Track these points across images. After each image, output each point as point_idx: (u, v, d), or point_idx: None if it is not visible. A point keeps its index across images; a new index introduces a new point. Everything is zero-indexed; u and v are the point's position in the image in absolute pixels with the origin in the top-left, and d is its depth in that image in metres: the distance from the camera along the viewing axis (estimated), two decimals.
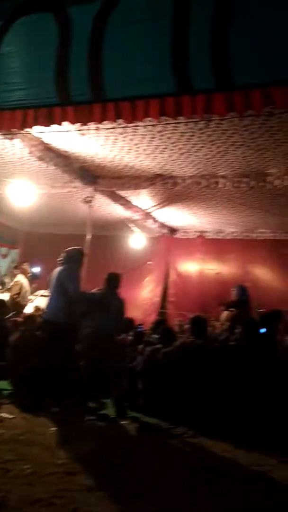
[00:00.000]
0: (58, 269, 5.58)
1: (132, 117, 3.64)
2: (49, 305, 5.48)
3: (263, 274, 11.98)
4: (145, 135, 6.04)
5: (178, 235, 13.00)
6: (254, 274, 12.03)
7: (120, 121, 3.91)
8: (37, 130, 5.61)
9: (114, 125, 4.20)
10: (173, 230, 12.83)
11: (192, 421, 4.53)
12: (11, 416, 4.54)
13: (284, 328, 5.90)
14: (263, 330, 6.00)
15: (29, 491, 2.95)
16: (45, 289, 9.60)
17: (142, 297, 13.01)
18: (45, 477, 3.19)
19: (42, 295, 9.33)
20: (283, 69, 3.07)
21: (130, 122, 3.77)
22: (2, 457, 3.48)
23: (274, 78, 3.10)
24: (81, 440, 4.07)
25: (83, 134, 6.07)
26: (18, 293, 8.86)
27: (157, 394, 4.79)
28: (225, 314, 7.22)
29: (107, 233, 13.11)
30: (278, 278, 11.75)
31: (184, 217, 11.18)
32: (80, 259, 5.85)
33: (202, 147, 6.34)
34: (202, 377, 4.72)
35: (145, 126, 5.61)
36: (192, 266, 12.81)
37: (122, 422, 4.66)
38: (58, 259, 5.76)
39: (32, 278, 10.86)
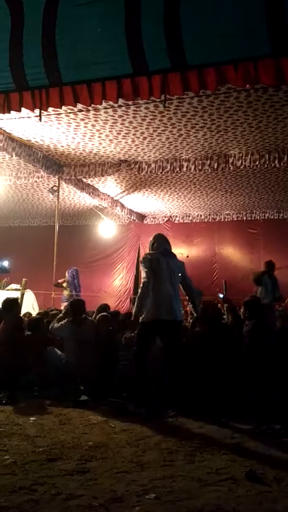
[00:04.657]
0: (168, 258, 4.70)
1: (91, 100, 3.62)
2: (171, 302, 4.58)
3: (230, 254, 12.25)
4: (107, 120, 6.02)
5: (147, 221, 13.06)
6: (222, 255, 12.30)
7: (80, 105, 3.88)
8: None
9: (74, 109, 4.14)
10: (142, 216, 12.88)
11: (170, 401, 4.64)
12: None
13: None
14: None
15: (9, 480, 2.96)
16: (14, 283, 9.59)
17: (115, 285, 13.07)
18: (25, 466, 3.21)
19: (15, 289, 9.23)
20: (235, 48, 3.11)
21: (89, 105, 3.75)
22: None
23: (228, 57, 3.15)
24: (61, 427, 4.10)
25: (45, 122, 5.98)
26: None
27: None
28: None
29: (76, 222, 13.05)
30: (245, 257, 12.05)
31: (152, 203, 11.23)
32: None
33: (164, 130, 6.37)
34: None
35: (105, 111, 5.59)
36: None
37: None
38: (157, 247, 4.78)
39: (2, 272, 10.72)
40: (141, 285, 4.68)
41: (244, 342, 4.90)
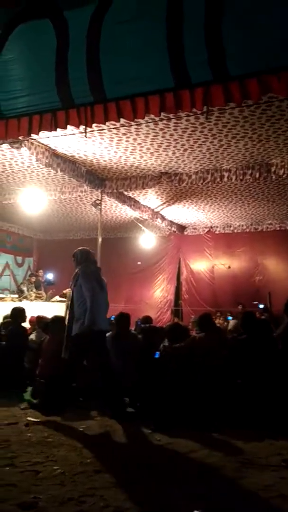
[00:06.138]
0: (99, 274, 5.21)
1: (134, 115, 3.68)
2: (103, 315, 5.02)
3: (274, 265, 11.97)
4: (148, 133, 6.09)
5: (187, 232, 13.02)
6: (265, 266, 12.03)
7: (122, 120, 3.96)
8: (43, 136, 5.70)
9: (117, 125, 4.22)
10: (182, 228, 12.85)
11: (213, 414, 4.56)
12: (37, 420, 4.61)
13: None
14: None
15: (59, 491, 2.99)
16: (59, 295, 9.76)
17: (156, 296, 13.07)
18: (74, 477, 3.23)
19: (59, 301, 9.41)
20: (277, 57, 3.09)
21: (132, 120, 3.82)
22: (32, 460, 3.53)
23: (270, 66, 3.13)
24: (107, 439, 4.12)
25: (88, 137, 6.12)
26: None
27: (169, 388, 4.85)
28: None
29: (118, 235, 13.20)
30: None
31: (192, 214, 11.20)
32: None
33: (205, 141, 6.37)
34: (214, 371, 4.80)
35: (147, 125, 5.66)
36: (203, 262, 12.83)
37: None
38: (91, 261, 5.29)
39: (47, 285, 10.97)
40: (88, 297, 4.75)
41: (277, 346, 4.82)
